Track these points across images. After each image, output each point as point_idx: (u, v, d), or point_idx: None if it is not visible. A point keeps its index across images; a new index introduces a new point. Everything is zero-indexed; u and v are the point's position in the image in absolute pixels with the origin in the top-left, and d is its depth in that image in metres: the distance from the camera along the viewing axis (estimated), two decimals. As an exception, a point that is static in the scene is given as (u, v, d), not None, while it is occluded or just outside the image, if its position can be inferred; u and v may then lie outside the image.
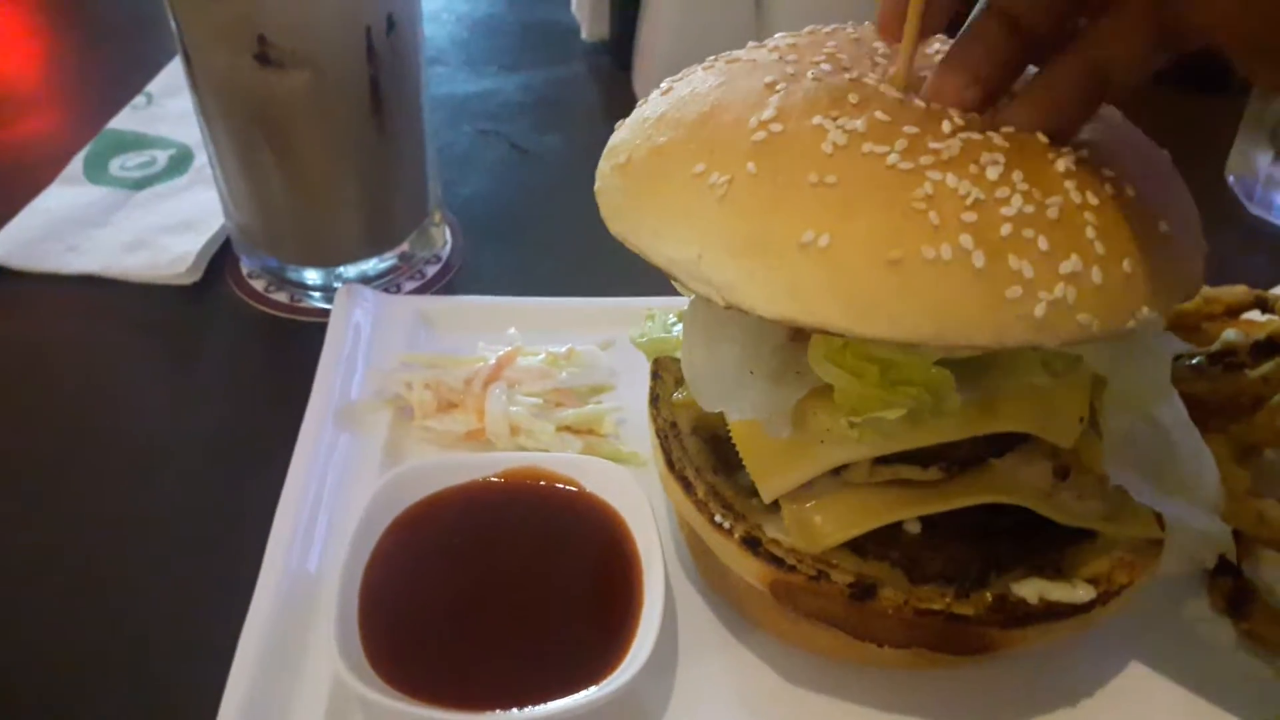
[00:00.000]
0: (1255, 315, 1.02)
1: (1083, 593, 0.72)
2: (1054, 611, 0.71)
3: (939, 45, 0.76)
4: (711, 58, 0.78)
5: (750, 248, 0.61)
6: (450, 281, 1.19)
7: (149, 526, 0.92)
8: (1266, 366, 0.90)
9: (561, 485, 0.86)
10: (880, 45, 0.74)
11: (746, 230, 0.61)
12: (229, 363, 1.10)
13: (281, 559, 0.83)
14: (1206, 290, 1.01)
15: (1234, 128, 1.43)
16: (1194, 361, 0.91)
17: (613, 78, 1.58)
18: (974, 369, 0.69)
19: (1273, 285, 1.15)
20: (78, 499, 0.94)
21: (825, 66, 0.70)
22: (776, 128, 0.64)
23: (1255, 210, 1.39)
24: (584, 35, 1.63)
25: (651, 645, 0.73)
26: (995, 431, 0.70)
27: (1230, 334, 0.92)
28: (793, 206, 0.61)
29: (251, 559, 0.83)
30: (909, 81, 0.67)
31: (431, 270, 1.19)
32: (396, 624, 0.76)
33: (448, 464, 0.86)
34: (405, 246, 1.17)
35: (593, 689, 0.71)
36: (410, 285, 1.17)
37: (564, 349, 1.02)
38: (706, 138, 0.66)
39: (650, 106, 0.74)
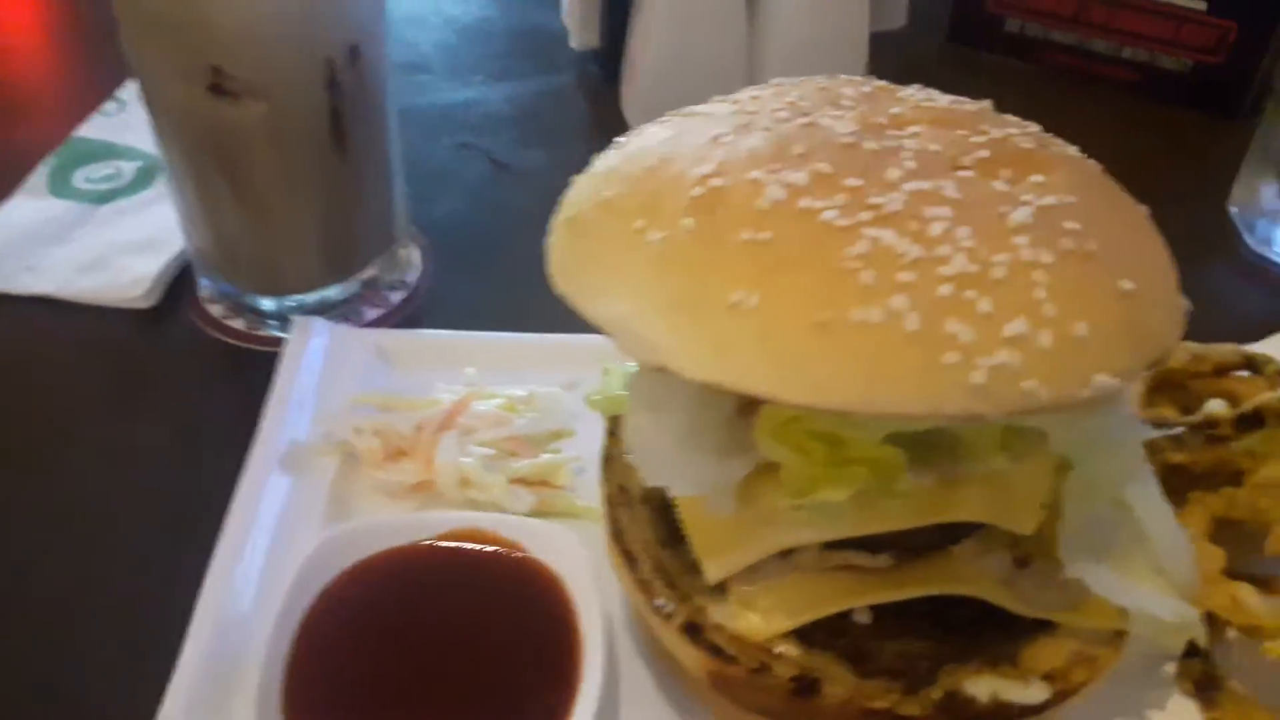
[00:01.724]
0: (1244, 373, 0.98)
1: (1036, 692, 0.69)
2: (1004, 713, 0.68)
3: (914, 90, 0.72)
4: (670, 113, 0.74)
5: (680, 307, 0.58)
6: (415, 310, 1.15)
7: (87, 557, 0.90)
8: (1251, 439, 0.86)
9: (506, 550, 0.83)
10: (849, 90, 0.70)
11: (678, 289, 0.59)
12: (180, 393, 1.06)
13: (210, 626, 0.79)
14: (1194, 347, 0.97)
15: (1244, 155, 1.38)
16: (1175, 432, 0.87)
17: (601, 89, 1.53)
18: (928, 450, 0.65)
19: (1267, 328, 1.11)
20: (16, 528, 0.92)
21: (782, 114, 0.66)
22: (716, 182, 0.61)
23: (1255, 245, 1.34)
24: (573, 44, 1.58)
25: (587, 729, 0.71)
26: (950, 520, 0.67)
27: (1214, 404, 0.88)
28: (724, 264, 0.58)
29: (186, 611, 0.81)
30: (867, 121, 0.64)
31: (397, 297, 1.16)
32: (322, 705, 0.73)
33: (383, 527, 0.82)
34: (371, 271, 1.13)
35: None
36: (373, 313, 1.13)
37: (524, 392, 0.99)
38: (649, 192, 0.63)
39: (605, 159, 0.71)
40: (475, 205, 1.32)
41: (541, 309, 1.09)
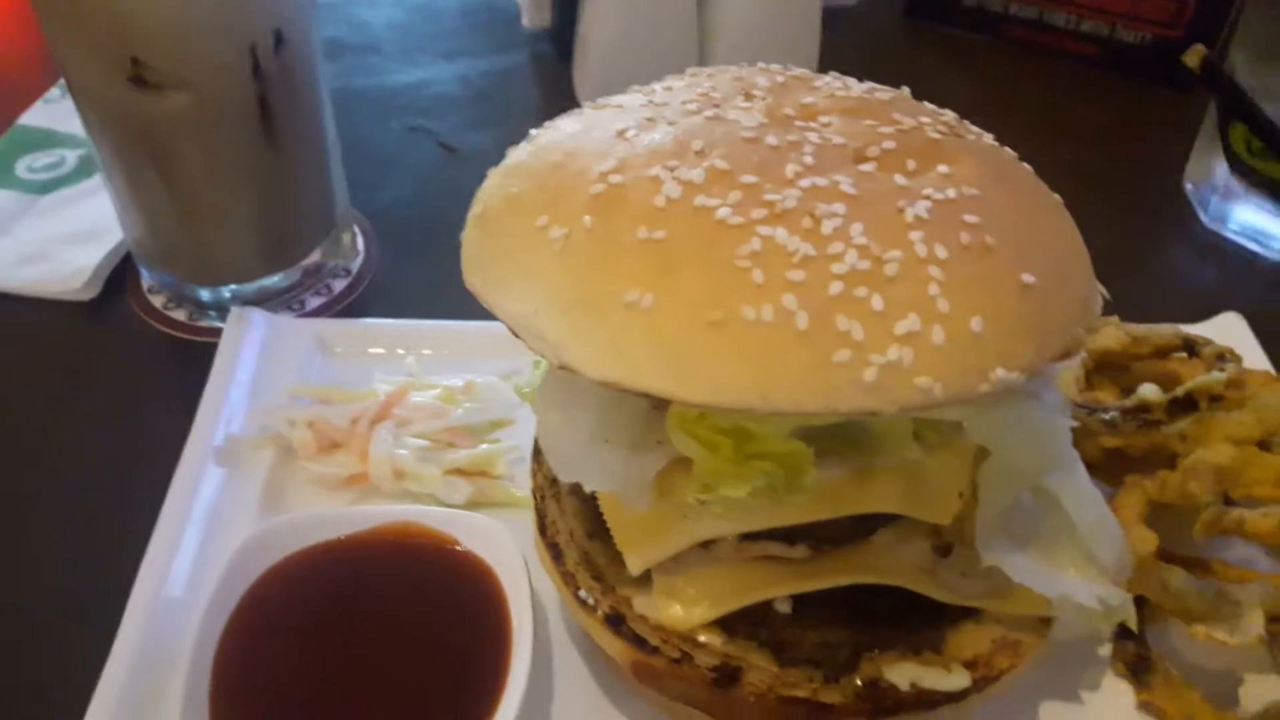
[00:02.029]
0: (1184, 355, 0.97)
1: (958, 680, 0.69)
2: (925, 700, 0.68)
3: (830, 79, 0.71)
4: (587, 104, 0.73)
5: (580, 306, 0.58)
6: (360, 297, 1.14)
7: (21, 548, 0.90)
8: (1183, 423, 0.86)
9: (437, 543, 0.82)
10: (762, 80, 0.69)
11: (578, 287, 0.58)
12: (120, 385, 1.05)
13: (142, 620, 0.79)
14: (1134, 330, 0.97)
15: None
16: (1108, 416, 0.87)
17: (553, 69, 1.51)
18: (839, 442, 0.65)
19: (1218, 305, 1.11)
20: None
21: (691, 106, 0.66)
22: (616, 179, 0.60)
23: (1209, 223, 1.33)
24: (525, 23, 1.57)
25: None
26: (864, 511, 0.67)
27: (1146, 389, 0.87)
28: (621, 263, 0.57)
29: (120, 603, 0.80)
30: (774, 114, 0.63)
31: (339, 285, 1.15)
32: (249, 703, 0.72)
33: (310, 522, 0.82)
34: (314, 258, 1.12)
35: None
36: (316, 301, 1.13)
37: (461, 382, 0.98)
38: (553, 188, 0.63)
39: (516, 153, 0.70)
40: (423, 190, 1.31)
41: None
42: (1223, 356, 0.91)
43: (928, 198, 0.58)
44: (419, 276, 1.18)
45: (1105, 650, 0.84)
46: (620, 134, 0.63)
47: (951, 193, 0.58)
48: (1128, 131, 1.48)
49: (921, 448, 0.66)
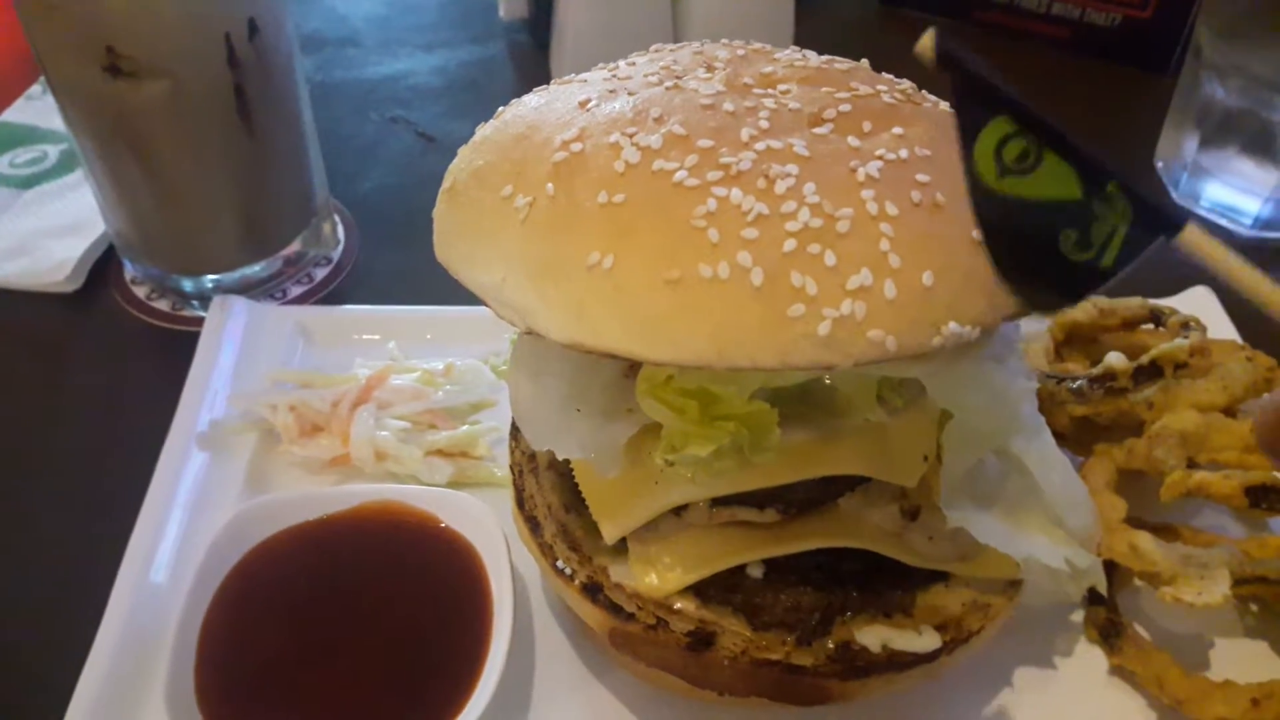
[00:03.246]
0: (1152, 326, 0.99)
1: (928, 641, 0.70)
2: (896, 661, 0.70)
3: (790, 51, 0.72)
4: (554, 81, 0.74)
5: (545, 271, 0.59)
6: (340, 286, 1.15)
7: (9, 536, 0.91)
8: (1150, 390, 0.87)
9: (418, 521, 0.83)
10: (723, 53, 0.71)
11: (542, 253, 0.60)
12: (105, 375, 1.06)
13: (127, 602, 0.80)
14: (1102, 302, 0.98)
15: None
16: (1075, 384, 0.89)
17: (531, 59, 1.53)
18: (806, 406, 0.66)
19: (1189, 281, 1.12)
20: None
21: (652, 78, 0.67)
22: (577, 147, 0.62)
23: (1180, 200, 1.35)
24: (502, 14, 1.58)
25: (489, 695, 0.72)
26: (830, 474, 0.68)
27: (1112, 357, 0.89)
28: (582, 227, 0.59)
29: (106, 588, 0.81)
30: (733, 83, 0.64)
31: (320, 273, 1.16)
32: (234, 680, 0.73)
33: (294, 500, 0.83)
34: (295, 247, 1.13)
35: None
36: (297, 290, 1.14)
37: (441, 365, 0.99)
38: (517, 159, 0.64)
39: (483, 129, 0.72)
40: (403, 179, 1.32)
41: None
42: (1187, 325, 0.93)
43: (880, 158, 0.59)
44: (399, 264, 1.19)
45: (1077, 617, 0.85)
46: (582, 105, 0.64)
47: (904, 153, 0.60)
48: (1099, 112, 1.50)
49: (886, 411, 0.67)
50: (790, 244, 0.55)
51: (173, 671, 0.72)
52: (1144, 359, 0.88)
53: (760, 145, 0.58)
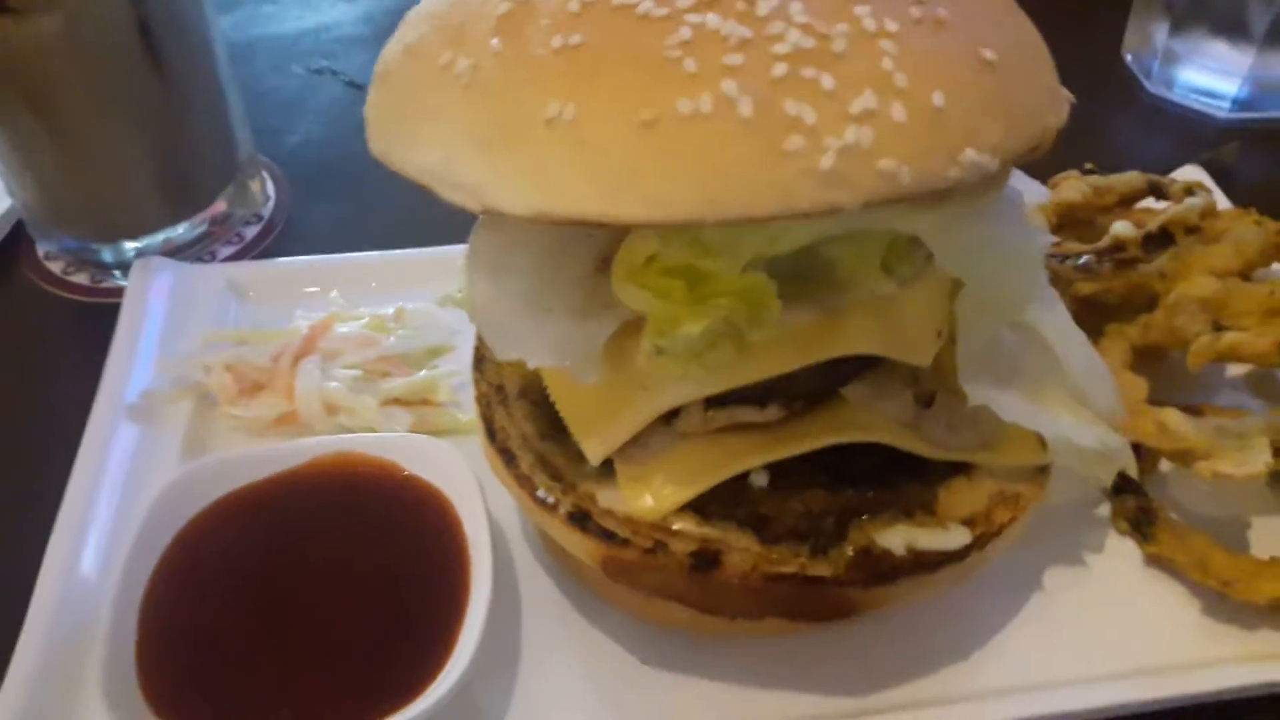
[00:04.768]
0: (1151, 203, 0.93)
1: (956, 537, 0.64)
2: (924, 563, 0.63)
3: None
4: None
5: (496, 137, 0.51)
6: (272, 244, 1.06)
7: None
8: (1160, 259, 0.81)
9: (379, 471, 0.75)
10: None
11: (492, 117, 0.52)
12: (21, 358, 0.97)
13: (56, 589, 0.72)
14: (1096, 180, 0.92)
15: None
16: (1081, 260, 0.82)
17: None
18: (803, 281, 0.59)
19: (1175, 168, 1.06)
20: None
21: None
22: None
23: (1154, 89, 1.30)
24: (428, -41, 1.48)
25: (473, 648, 0.64)
26: (837, 355, 0.60)
27: (1119, 226, 0.82)
28: (536, 79, 0.51)
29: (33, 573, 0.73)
30: None
31: (251, 232, 1.07)
32: (181, 656, 0.65)
33: (237, 460, 0.74)
34: (221, 207, 1.04)
35: (406, 710, 0.61)
36: (226, 251, 1.05)
37: (391, 310, 0.91)
38: (455, 25, 0.56)
39: (417, 6, 0.63)
40: (333, 130, 1.23)
41: (413, 227, 1.02)
42: (1191, 191, 0.87)
43: None
44: (336, 216, 1.10)
45: (1103, 510, 0.79)
46: (526, -44, 0.56)
47: None
48: (1059, 6, 1.43)
49: (893, 282, 0.60)
50: (780, 68, 0.47)
51: (109, 659, 0.64)
52: (1152, 226, 0.81)
53: None
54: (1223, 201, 1.00)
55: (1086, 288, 0.82)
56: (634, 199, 0.47)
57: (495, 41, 0.52)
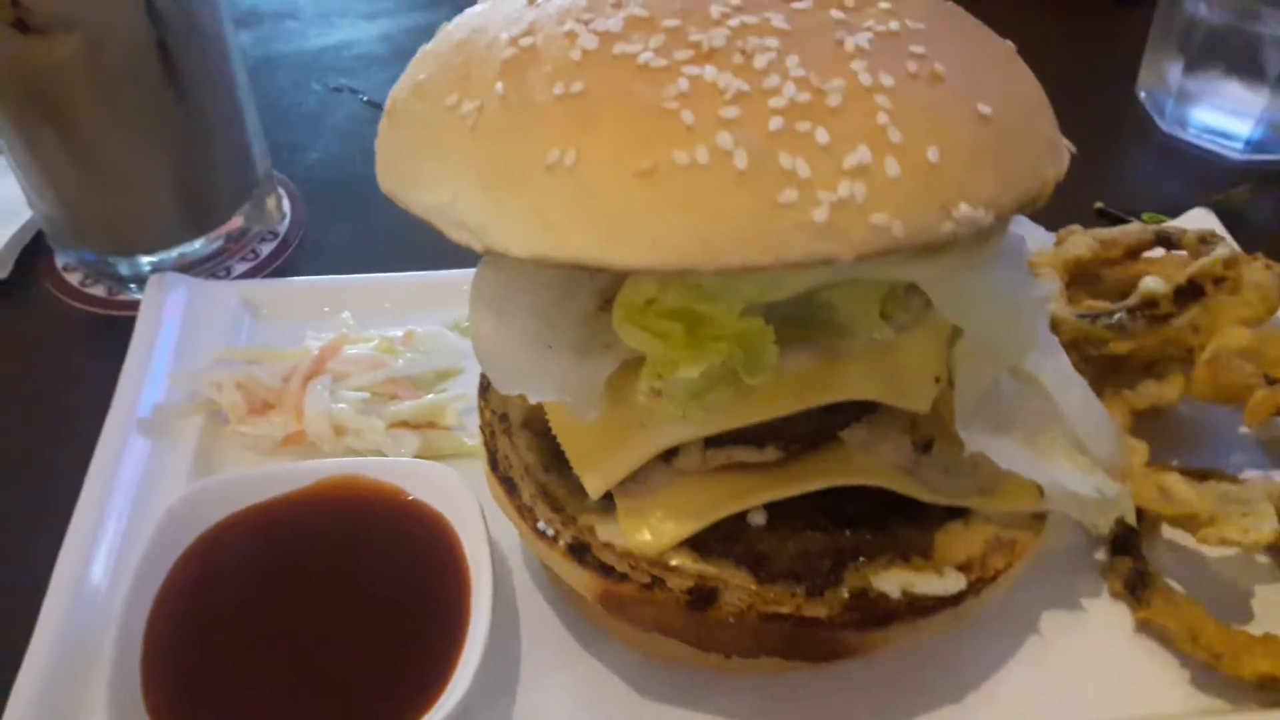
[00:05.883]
0: (1158, 253, 0.93)
1: (951, 582, 0.64)
2: (919, 607, 0.63)
3: None
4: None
5: (499, 179, 0.52)
6: (287, 261, 1.08)
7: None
8: (1192, 312, 0.80)
9: (383, 495, 0.76)
10: None
11: (495, 160, 0.53)
12: (38, 368, 0.98)
13: (65, 600, 0.73)
14: (1100, 234, 0.92)
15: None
16: (1114, 319, 0.82)
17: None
18: (802, 326, 0.59)
19: (1187, 208, 1.07)
20: None
21: None
22: (527, 41, 0.55)
23: (1168, 128, 1.30)
24: (449, -21, 1.50)
25: (472, 674, 0.65)
26: (834, 400, 0.61)
27: (1150, 282, 0.82)
28: (538, 125, 0.52)
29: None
30: None
31: (266, 248, 1.08)
32: (185, 672, 0.66)
33: (244, 480, 0.75)
34: (238, 223, 1.06)
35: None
36: (241, 267, 1.06)
37: (400, 333, 0.92)
38: (460, 65, 0.57)
39: (424, 47, 0.64)
40: (350, 148, 1.25)
41: (427, 248, 1.02)
42: (1205, 240, 0.87)
43: (869, 30, 0.53)
44: (351, 235, 1.12)
45: (1100, 557, 0.79)
46: (530, 2, 0.57)
47: (894, 25, 0.53)
48: (1075, 44, 1.45)
49: (891, 328, 0.60)
50: (776, 122, 0.48)
51: (114, 675, 0.65)
52: (1181, 279, 0.81)
53: (733, 21, 0.52)
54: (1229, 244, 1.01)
55: (1121, 346, 0.81)
56: (632, 245, 0.48)
57: (500, 86, 0.53)
